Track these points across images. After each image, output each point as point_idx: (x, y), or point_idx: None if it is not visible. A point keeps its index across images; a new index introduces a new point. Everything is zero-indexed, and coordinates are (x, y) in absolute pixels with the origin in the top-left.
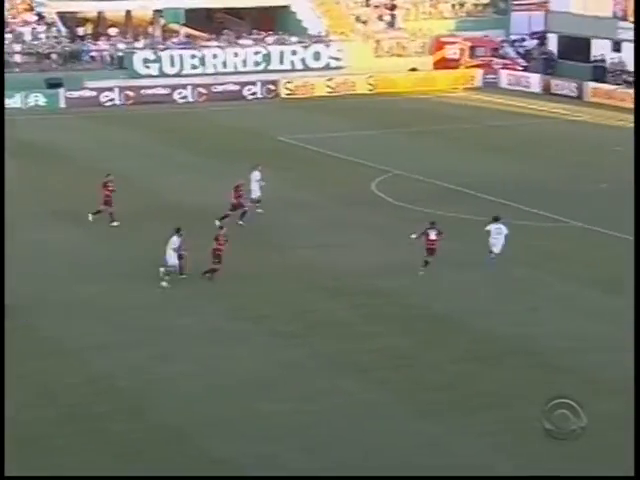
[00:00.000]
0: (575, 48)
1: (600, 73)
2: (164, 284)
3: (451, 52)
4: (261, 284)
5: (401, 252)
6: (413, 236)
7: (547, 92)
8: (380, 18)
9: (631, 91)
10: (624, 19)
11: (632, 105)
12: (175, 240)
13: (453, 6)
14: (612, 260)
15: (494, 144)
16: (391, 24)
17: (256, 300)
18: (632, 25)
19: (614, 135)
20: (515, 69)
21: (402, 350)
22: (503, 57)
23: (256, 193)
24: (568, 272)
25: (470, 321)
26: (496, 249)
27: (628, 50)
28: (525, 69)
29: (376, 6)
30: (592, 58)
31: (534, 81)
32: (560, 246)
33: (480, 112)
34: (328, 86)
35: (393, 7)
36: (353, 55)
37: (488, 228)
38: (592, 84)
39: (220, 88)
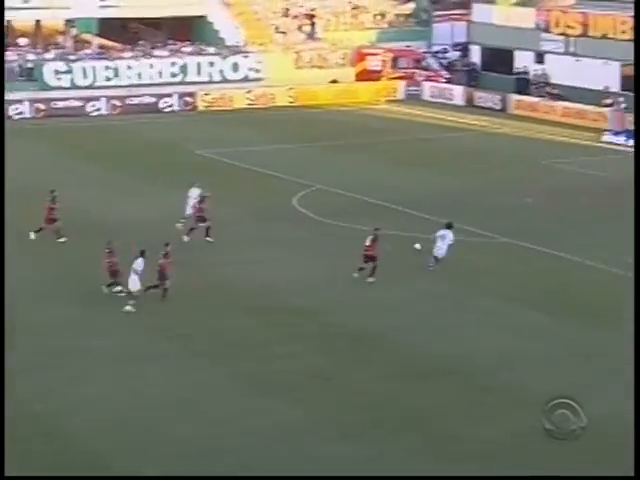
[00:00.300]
0: (498, 60)
1: (523, 85)
2: (128, 308)
3: (373, 63)
4: (179, 302)
5: (322, 268)
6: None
7: (470, 104)
8: (300, 29)
9: (555, 103)
10: (547, 30)
11: (556, 118)
12: (140, 262)
13: (374, 16)
14: (538, 275)
15: (418, 157)
16: (311, 35)
17: (174, 319)
18: (555, 36)
19: (538, 148)
20: (438, 81)
21: (322, 370)
22: (426, 69)
23: (190, 210)
24: (493, 288)
25: (392, 339)
26: (438, 253)
27: (551, 62)
28: (448, 81)
29: (295, 16)
30: (515, 70)
31: (457, 93)
32: (485, 261)
33: (403, 125)
34: (247, 98)
35: (312, 17)
36: (273, 66)
37: (438, 234)
38: (516, 96)
39: (135, 100)
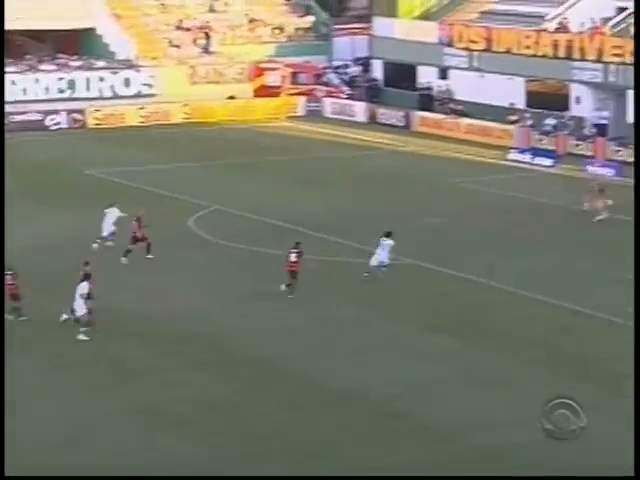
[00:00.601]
0: (401, 75)
1: (427, 101)
2: (82, 337)
3: (271, 79)
4: (71, 331)
5: (220, 292)
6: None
7: (373, 121)
8: (194, 42)
9: (459, 120)
10: (450, 45)
11: (461, 135)
12: (84, 286)
13: (272, 30)
14: (443, 298)
15: (319, 177)
16: (206, 49)
17: (66, 348)
18: (458, 51)
19: (443, 166)
20: (339, 97)
21: (223, 399)
22: (326, 84)
23: (109, 229)
24: (398, 312)
25: (295, 365)
26: (379, 261)
27: (455, 77)
28: (350, 97)
29: (189, 29)
30: (419, 86)
31: (359, 110)
32: (390, 284)
33: (303, 143)
34: (140, 115)
35: (208, 31)
36: (166, 82)
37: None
38: (419, 113)
39: (19, 118)
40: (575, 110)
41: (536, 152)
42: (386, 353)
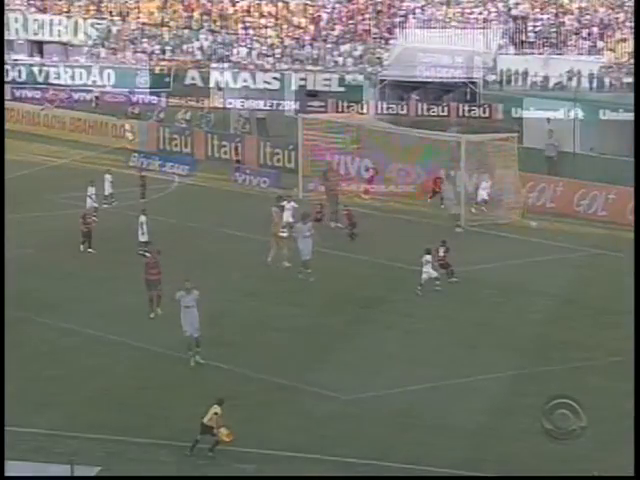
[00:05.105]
0: None
1: (15, 87)
2: None
3: None
4: None
5: None
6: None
7: None
8: None
9: (61, 113)
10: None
11: (65, 134)
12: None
13: None
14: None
15: None
16: None
17: None
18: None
19: (41, 178)
20: None
21: None
22: None
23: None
24: None
25: None
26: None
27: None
28: None
29: None
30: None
31: None
32: None
33: None
34: None
35: None
36: None
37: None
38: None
39: None
40: (217, 100)
41: (167, 157)
42: None
